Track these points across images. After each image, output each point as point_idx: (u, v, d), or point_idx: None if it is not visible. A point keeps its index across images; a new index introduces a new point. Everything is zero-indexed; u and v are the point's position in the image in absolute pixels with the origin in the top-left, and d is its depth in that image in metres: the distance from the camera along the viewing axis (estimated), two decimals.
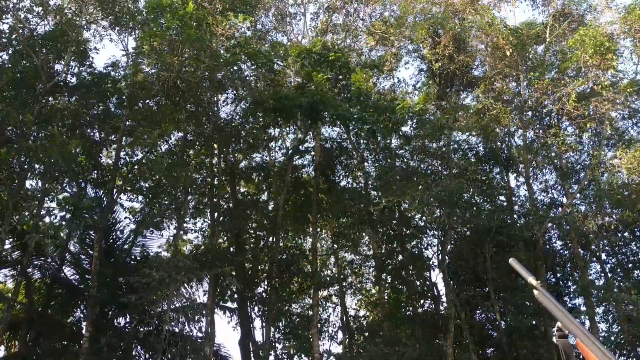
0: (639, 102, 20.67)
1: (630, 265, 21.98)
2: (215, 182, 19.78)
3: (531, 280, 1.75)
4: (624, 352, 18.19)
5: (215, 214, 19.28)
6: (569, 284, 21.21)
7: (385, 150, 20.21)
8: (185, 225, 19.08)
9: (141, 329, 16.84)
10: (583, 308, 18.87)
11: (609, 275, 21.46)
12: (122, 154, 18.15)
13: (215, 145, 19.52)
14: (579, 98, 18.43)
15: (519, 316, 18.24)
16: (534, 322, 18.56)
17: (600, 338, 17.78)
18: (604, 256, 22.25)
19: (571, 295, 19.56)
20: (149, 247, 18.70)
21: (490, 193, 20.74)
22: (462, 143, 21.78)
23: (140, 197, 18.74)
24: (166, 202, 18.35)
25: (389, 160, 20.73)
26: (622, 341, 18.28)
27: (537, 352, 18.95)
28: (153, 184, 18.31)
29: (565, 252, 22.12)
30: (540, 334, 18.67)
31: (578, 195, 20.85)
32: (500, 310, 19.65)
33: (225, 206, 20.59)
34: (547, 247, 21.85)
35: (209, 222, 19.45)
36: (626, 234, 21.81)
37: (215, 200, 19.42)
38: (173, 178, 16.91)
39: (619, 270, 21.87)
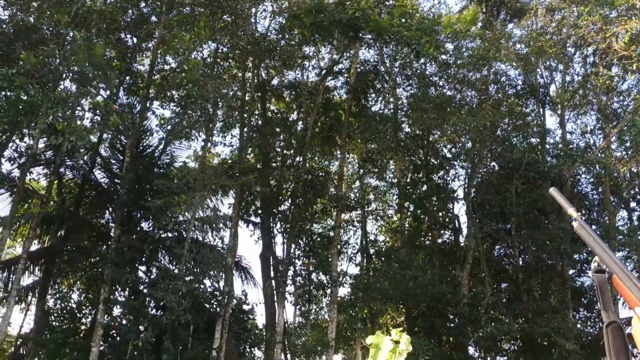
0: None
1: None
2: (247, 98, 19.66)
3: (571, 211, 1.67)
4: None
5: (245, 129, 19.31)
6: (594, 227, 21.03)
7: (420, 78, 19.68)
8: (214, 138, 19.20)
9: (163, 235, 17.32)
10: None
11: (635, 223, 21.20)
12: (156, 61, 18.04)
13: (249, 60, 19.24)
14: (630, 39, 17.50)
15: (537, 253, 18.30)
16: (550, 262, 18.61)
17: None
18: (633, 204, 21.91)
19: None
20: (177, 157, 18.99)
21: (524, 129, 20.29)
22: (501, 75, 21.05)
23: (171, 105, 18.82)
24: (197, 113, 18.36)
25: (423, 88, 20.25)
26: None
27: (550, 289, 19.14)
28: (184, 94, 18.26)
29: (595, 197, 21.80)
30: (555, 273, 18.77)
31: (614, 139, 20.25)
32: (520, 247, 19.70)
33: (254, 122, 20.57)
34: (576, 190, 21.54)
35: (238, 137, 19.52)
36: None
37: (245, 115, 19.39)
38: (204, 89, 16.80)
39: None
